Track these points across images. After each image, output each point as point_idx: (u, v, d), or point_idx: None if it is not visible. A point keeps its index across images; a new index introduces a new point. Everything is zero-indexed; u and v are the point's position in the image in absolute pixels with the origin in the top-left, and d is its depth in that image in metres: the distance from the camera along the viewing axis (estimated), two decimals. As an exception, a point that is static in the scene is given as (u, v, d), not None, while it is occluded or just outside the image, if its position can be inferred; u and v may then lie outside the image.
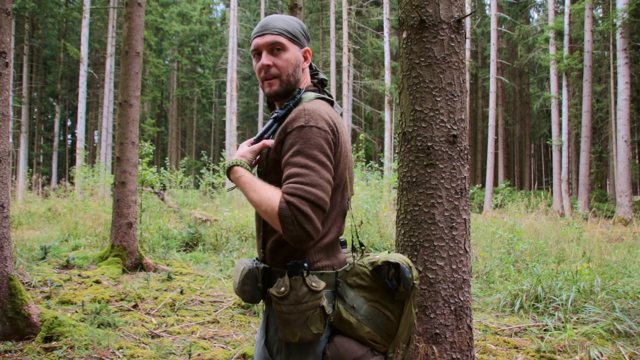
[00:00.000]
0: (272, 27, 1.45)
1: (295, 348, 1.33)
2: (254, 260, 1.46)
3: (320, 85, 1.56)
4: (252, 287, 1.41)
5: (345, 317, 1.31)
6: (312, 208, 1.22)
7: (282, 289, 1.29)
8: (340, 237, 1.50)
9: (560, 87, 19.95)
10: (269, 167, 1.40)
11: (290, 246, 1.36)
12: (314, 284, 1.28)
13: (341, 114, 1.54)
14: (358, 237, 1.53)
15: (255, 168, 1.48)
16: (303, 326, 1.27)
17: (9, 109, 3.42)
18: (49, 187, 18.06)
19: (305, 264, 1.31)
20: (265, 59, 1.44)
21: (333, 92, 25.76)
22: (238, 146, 1.57)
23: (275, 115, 1.44)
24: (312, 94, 1.45)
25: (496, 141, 23.90)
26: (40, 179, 18.51)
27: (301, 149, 1.27)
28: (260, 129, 1.58)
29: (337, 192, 1.41)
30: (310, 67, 1.57)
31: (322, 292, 1.29)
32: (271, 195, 1.27)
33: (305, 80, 1.53)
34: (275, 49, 1.44)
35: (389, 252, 1.40)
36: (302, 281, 1.28)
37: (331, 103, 1.49)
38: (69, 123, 36.77)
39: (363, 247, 1.47)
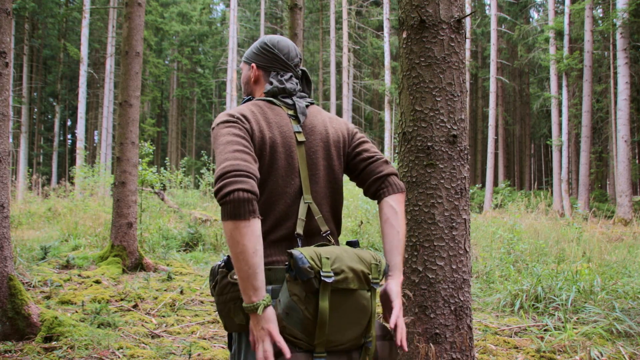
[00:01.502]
0: None
1: (244, 339, 1.37)
2: None
3: (276, 92, 1.54)
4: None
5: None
6: (224, 176, 1.24)
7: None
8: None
9: (560, 87, 19.96)
10: None
11: None
12: (235, 276, 1.30)
13: (290, 113, 1.50)
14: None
15: None
16: (227, 316, 1.33)
17: (9, 109, 3.42)
18: (49, 187, 18.06)
19: (225, 257, 1.36)
20: None
21: (333, 92, 25.78)
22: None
23: None
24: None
25: (496, 141, 23.90)
26: (40, 179, 18.51)
27: (214, 145, 1.37)
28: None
29: (270, 180, 1.40)
30: (272, 81, 1.55)
31: None
32: None
33: (261, 91, 1.60)
34: None
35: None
36: (226, 273, 1.33)
37: (272, 102, 1.51)
38: (69, 123, 36.76)
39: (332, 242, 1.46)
